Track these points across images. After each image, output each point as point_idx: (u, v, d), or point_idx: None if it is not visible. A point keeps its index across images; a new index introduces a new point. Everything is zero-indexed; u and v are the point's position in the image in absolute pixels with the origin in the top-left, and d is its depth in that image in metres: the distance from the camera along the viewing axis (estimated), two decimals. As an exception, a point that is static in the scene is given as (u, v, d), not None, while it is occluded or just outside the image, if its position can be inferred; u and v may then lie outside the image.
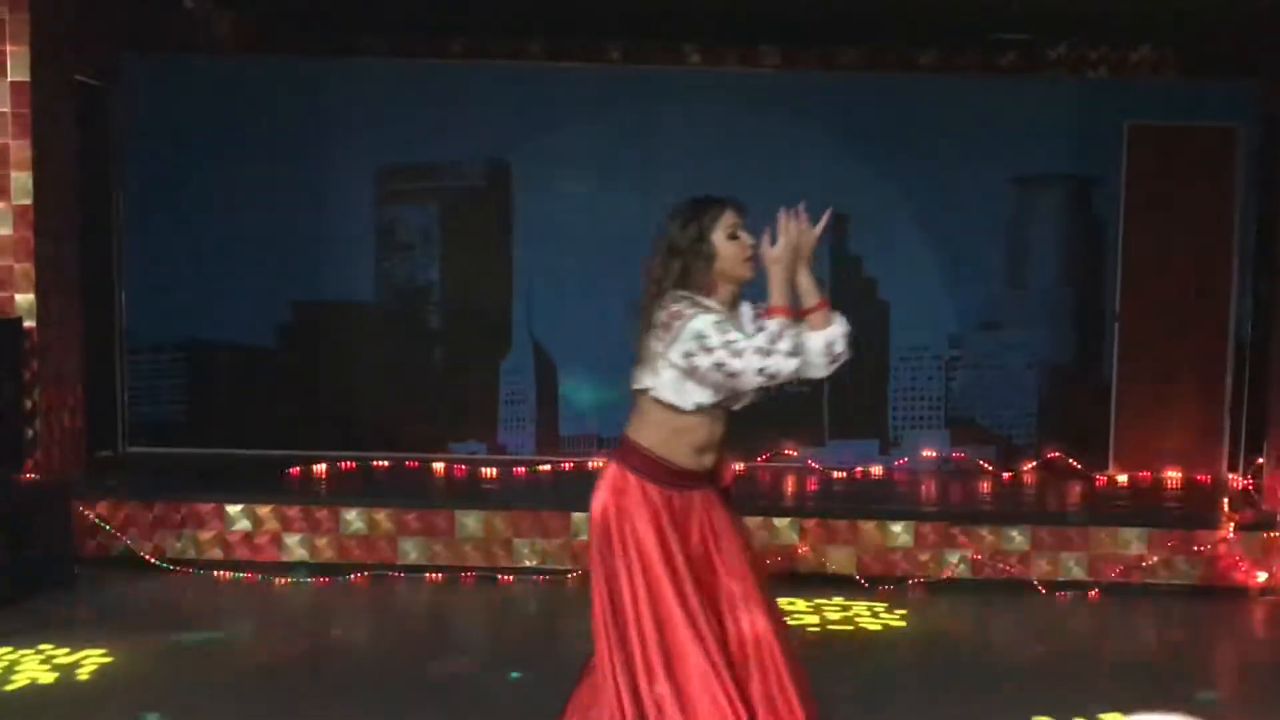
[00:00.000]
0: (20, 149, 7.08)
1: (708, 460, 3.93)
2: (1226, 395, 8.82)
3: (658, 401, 3.84)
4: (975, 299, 8.92)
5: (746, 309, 3.99)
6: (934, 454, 8.87)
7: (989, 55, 8.95)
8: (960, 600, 6.99)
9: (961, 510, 7.57)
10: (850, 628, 6.42)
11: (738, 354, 3.65)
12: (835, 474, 8.62)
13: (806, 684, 3.81)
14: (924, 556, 7.24)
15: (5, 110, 7.05)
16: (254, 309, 8.81)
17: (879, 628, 6.43)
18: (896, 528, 7.27)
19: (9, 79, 7.04)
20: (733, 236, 3.91)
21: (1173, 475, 8.71)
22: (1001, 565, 7.21)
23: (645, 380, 3.84)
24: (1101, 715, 5.20)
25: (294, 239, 8.78)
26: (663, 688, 3.67)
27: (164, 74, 8.66)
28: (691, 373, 3.74)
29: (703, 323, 3.69)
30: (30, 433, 7.08)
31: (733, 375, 3.68)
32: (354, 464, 8.49)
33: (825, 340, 3.85)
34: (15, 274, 7.13)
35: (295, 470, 8.22)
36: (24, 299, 7.13)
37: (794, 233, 3.85)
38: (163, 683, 5.42)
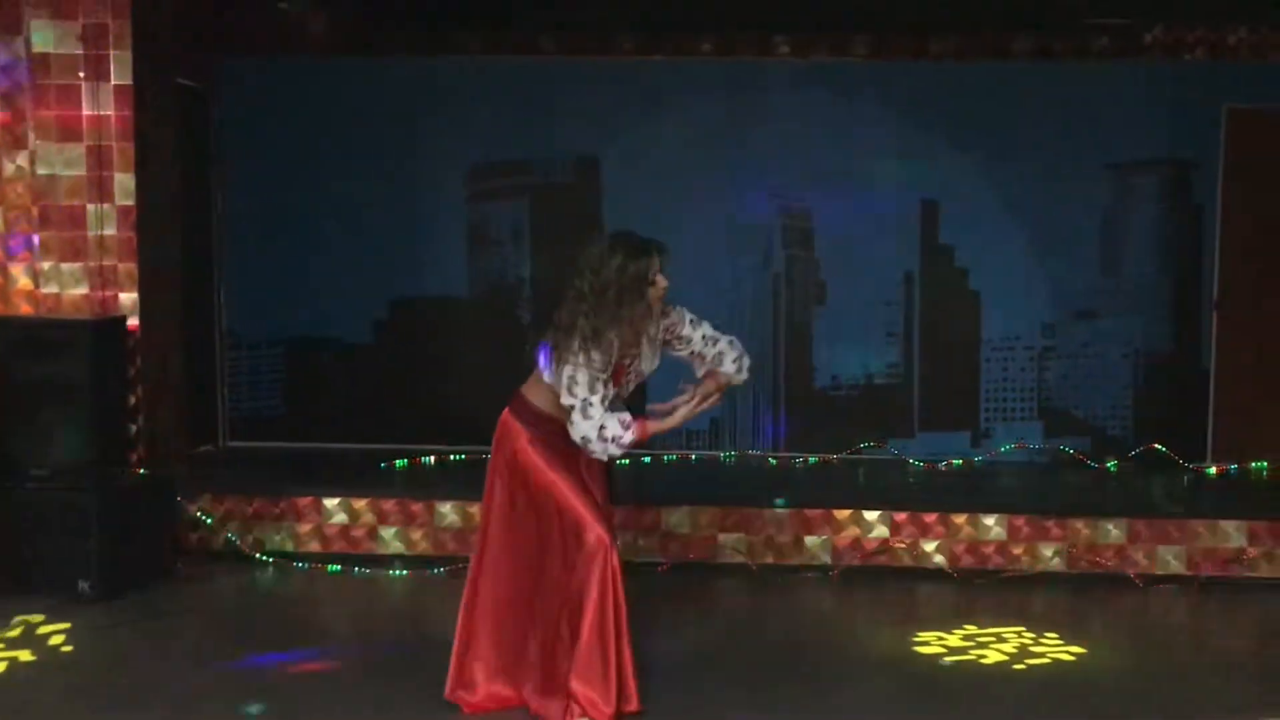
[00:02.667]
0: (123, 151, 7.25)
1: None
2: (1330, 384, 8.63)
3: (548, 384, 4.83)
4: (1069, 288, 8.78)
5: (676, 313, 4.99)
6: (1027, 446, 8.78)
7: (1084, 40, 8.81)
8: (1055, 594, 6.92)
9: (1055, 503, 7.49)
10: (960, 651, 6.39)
11: (585, 415, 4.70)
12: (926, 466, 8.57)
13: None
14: (1017, 549, 7.18)
15: (109, 113, 7.22)
16: (350, 305, 8.95)
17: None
18: (989, 520, 7.21)
19: (112, 83, 7.20)
20: (653, 283, 4.78)
21: (1273, 466, 8.53)
22: (1097, 559, 7.13)
23: (548, 373, 4.81)
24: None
25: (389, 236, 8.89)
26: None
27: (261, 76, 8.83)
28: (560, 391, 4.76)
29: (579, 373, 4.70)
30: (133, 429, 7.26)
31: (571, 423, 4.73)
32: (448, 457, 8.60)
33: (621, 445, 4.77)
34: (119, 273, 7.30)
35: (391, 464, 8.35)
36: (127, 297, 7.31)
37: (684, 412, 4.93)
38: (264, 675, 5.54)
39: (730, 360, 5.01)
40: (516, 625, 5.01)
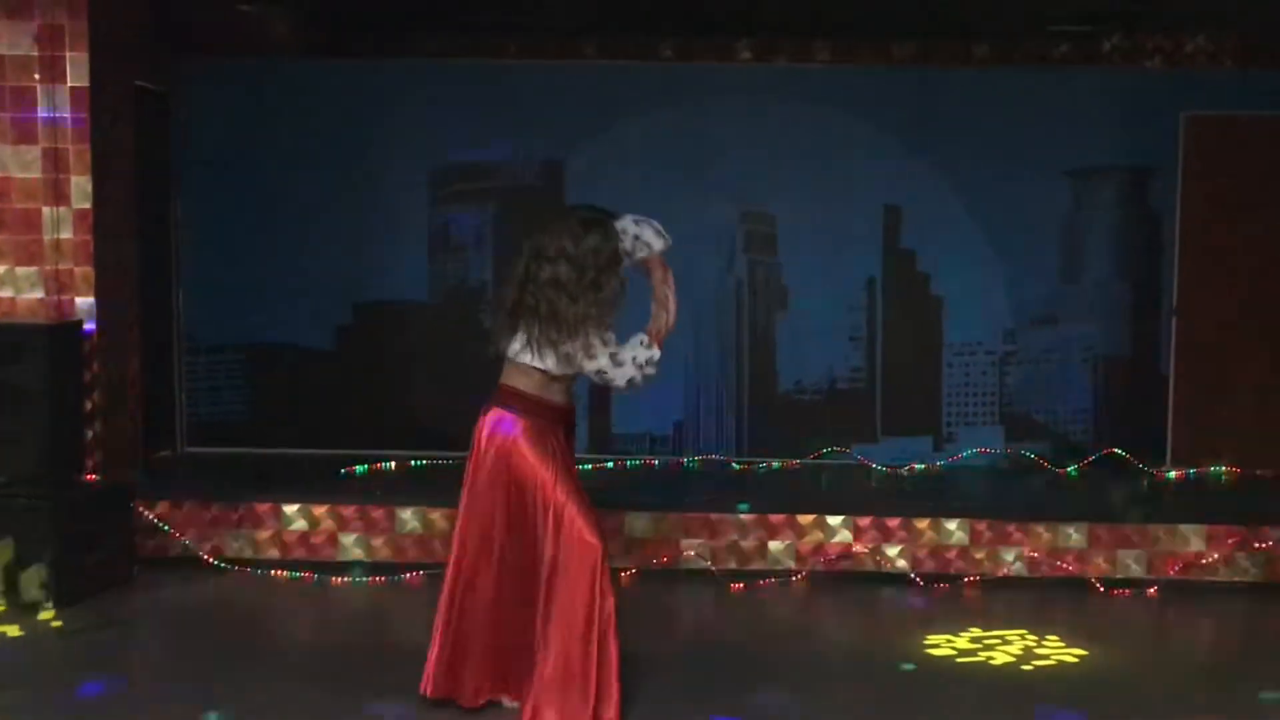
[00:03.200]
0: (80, 154, 7.16)
1: (569, 397, 4.95)
2: (1287, 389, 8.72)
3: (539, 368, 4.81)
4: (1030, 293, 8.85)
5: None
6: (989, 450, 8.81)
7: (1043, 47, 8.86)
8: (1016, 598, 6.94)
9: (1017, 507, 7.51)
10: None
11: (618, 364, 4.78)
12: (889, 471, 8.58)
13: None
14: (979, 554, 7.20)
15: (65, 115, 7.14)
16: (311, 310, 8.89)
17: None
18: (951, 525, 7.23)
19: (69, 85, 7.12)
20: (627, 253, 4.85)
21: (1232, 471, 8.60)
22: (1058, 563, 7.16)
23: (533, 360, 4.79)
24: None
25: (350, 240, 8.84)
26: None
27: (222, 77, 8.75)
28: (577, 365, 4.80)
29: (589, 340, 4.72)
30: (90, 434, 7.17)
31: (610, 381, 4.83)
32: (409, 463, 8.54)
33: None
34: (76, 277, 7.21)
35: (351, 470, 8.28)
36: (84, 302, 7.22)
37: (669, 311, 4.92)
38: (223, 683, 5.47)
39: (652, 237, 4.93)
40: (503, 622, 4.91)
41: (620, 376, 4.79)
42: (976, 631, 6.27)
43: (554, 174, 8.80)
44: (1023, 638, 6.20)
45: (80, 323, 7.12)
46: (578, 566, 4.69)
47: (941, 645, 6.07)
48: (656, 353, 4.81)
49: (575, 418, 5.12)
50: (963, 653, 5.98)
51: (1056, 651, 6.02)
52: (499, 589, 4.89)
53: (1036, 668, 5.80)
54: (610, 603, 4.72)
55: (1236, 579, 7.11)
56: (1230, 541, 7.11)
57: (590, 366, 4.78)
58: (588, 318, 4.72)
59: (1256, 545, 7.08)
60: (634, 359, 4.77)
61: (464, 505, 4.96)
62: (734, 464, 8.78)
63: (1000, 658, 5.92)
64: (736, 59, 8.94)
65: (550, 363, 4.78)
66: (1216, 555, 7.11)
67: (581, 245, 4.75)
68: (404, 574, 7.11)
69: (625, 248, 4.88)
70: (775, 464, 8.69)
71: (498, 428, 4.85)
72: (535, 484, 4.80)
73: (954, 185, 8.74)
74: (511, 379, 4.89)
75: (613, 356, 4.76)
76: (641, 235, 4.91)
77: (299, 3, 8.65)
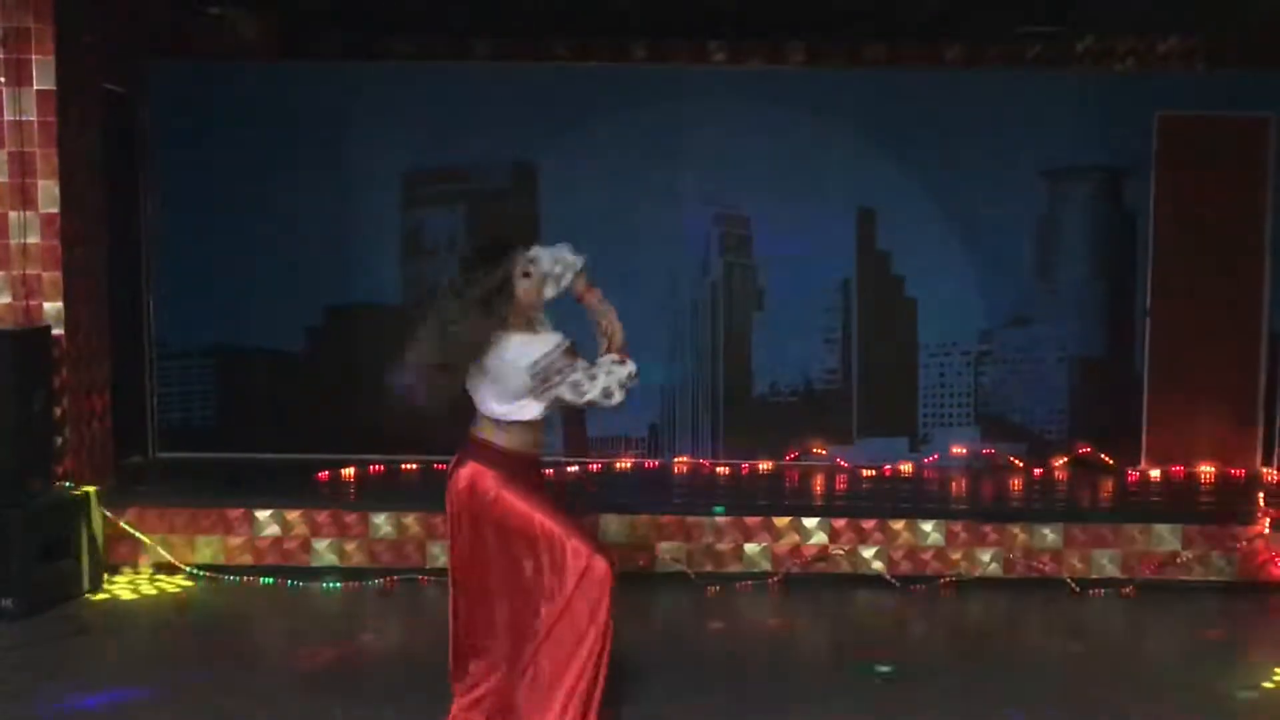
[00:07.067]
0: (47, 158, 7.09)
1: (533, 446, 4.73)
2: (1260, 389, 8.74)
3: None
4: (1005, 294, 8.85)
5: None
6: (964, 451, 8.81)
7: (1016, 49, 8.86)
8: (993, 599, 6.94)
9: (993, 508, 7.51)
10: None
11: (577, 393, 4.55)
12: (864, 472, 8.57)
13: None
14: (955, 555, 7.19)
15: (32, 119, 7.06)
16: (282, 313, 8.82)
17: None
18: (927, 526, 7.22)
19: (35, 88, 7.05)
20: (526, 275, 4.60)
21: (1206, 470, 8.62)
22: (1034, 563, 7.15)
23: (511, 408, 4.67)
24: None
25: (321, 243, 8.77)
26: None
27: (191, 80, 8.68)
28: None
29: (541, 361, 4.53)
30: (60, 440, 7.10)
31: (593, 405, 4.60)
32: (382, 468, 8.49)
33: None
34: (43, 282, 7.14)
35: (324, 475, 8.23)
36: (52, 307, 7.15)
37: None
38: (196, 689, 5.43)
39: (567, 253, 4.75)
40: (497, 655, 4.79)
41: (610, 398, 4.55)
42: None
43: (526, 176, 8.76)
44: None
45: (48, 328, 7.05)
46: (589, 591, 4.50)
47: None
48: (633, 366, 4.59)
49: (541, 464, 4.90)
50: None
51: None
52: (496, 621, 4.75)
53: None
54: (610, 622, 4.55)
55: (1211, 578, 7.12)
56: (1204, 540, 7.12)
57: (567, 396, 4.53)
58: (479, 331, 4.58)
59: (1230, 544, 7.09)
60: (609, 374, 4.55)
61: (450, 556, 4.84)
62: (711, 466, 8.76)
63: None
64: (710, 61, 8.91)
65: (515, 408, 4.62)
66: (1191, 554, 7.11)
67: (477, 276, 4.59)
68: (377, 579, 7.06)
69: (546, 270, 4.68)
70: (751, 466, 8.68)
71: (471, 480, 4.70)
72: (518, 517, 4.60)
73: (928, 186, 8.73)
74: (485, 432, 4.73)
75: (575, 386, 4.52)
76: (558, 254, 4.72)
77: (268, 6, 8.59)
